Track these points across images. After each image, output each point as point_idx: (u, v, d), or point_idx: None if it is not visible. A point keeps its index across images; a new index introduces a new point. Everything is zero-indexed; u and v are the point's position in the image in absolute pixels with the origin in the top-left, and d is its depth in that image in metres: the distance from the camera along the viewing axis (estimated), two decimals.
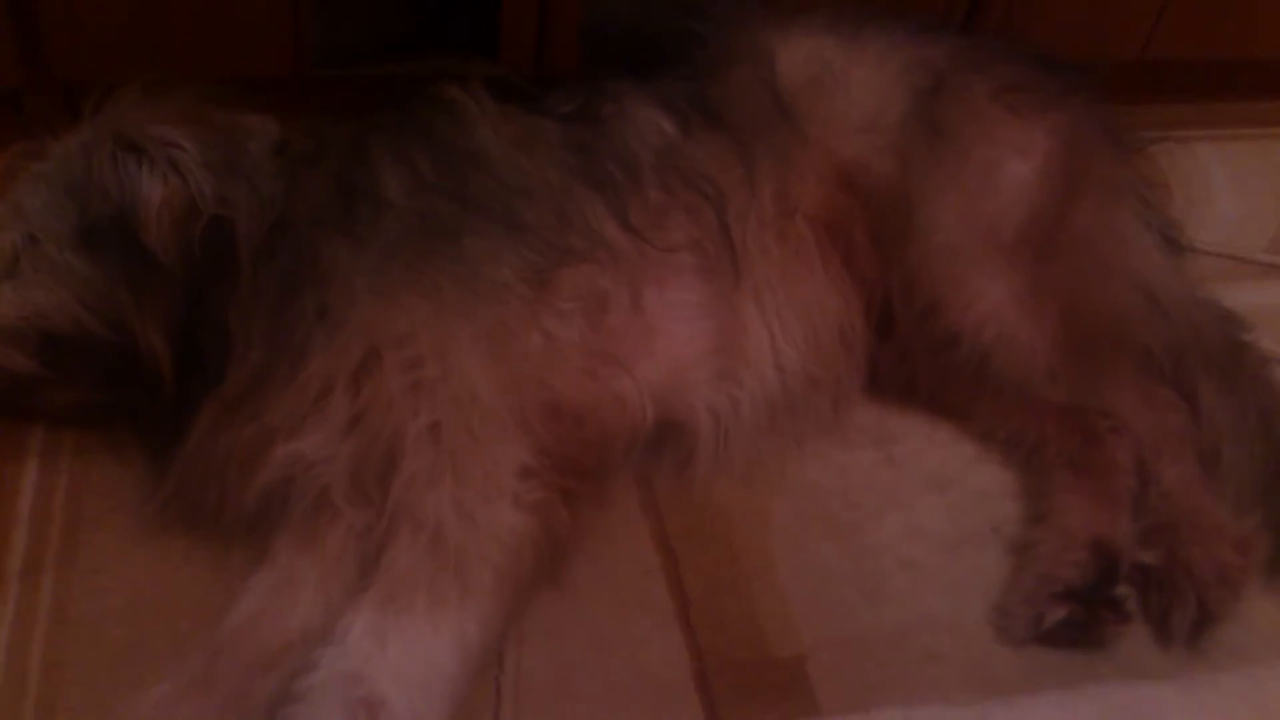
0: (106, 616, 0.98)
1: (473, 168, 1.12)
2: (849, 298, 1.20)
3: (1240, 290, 1.35)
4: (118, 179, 1.07)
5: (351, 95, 1.46)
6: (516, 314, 1.05)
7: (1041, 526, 1.11)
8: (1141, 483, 1.12)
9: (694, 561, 1.10)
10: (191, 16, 1.35)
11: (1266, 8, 1.61)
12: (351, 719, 0.86)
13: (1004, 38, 1.41)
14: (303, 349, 1.02)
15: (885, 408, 1.24)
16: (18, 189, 1.12)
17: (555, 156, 1.15)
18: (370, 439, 1.00)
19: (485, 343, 1.02)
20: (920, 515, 1.16)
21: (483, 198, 1.09)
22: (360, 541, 0.99)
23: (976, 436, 1.22)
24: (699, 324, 1.14)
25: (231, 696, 0.92)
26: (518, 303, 1.06)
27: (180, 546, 1.03)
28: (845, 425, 1.21)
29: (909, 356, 1.21)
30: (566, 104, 1.22)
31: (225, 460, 1.02)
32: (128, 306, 1.05)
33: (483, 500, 0.97)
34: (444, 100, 1.17)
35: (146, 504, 1.05)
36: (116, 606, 0.98)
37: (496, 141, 1.14)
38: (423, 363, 1.00)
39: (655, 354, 1.12)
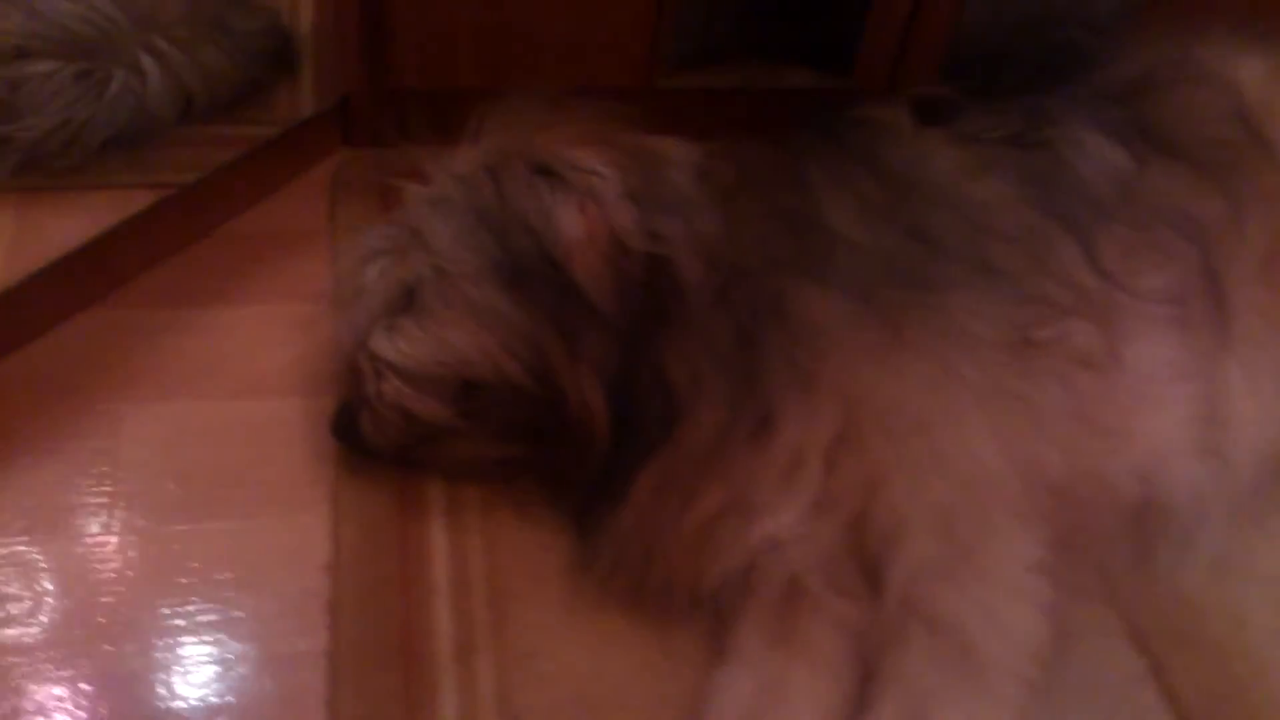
0: (557, 711, 0.85)
1: (926, 200, 0.98)
2: None
3: None
4: (539, 208, 0.95)
5: (696, 108, 1.33)
6: (1003, 376, 0.91)
7: None
8: None
9: (1179, 665, 0.95)
10: (548, 26, 1.23)
11: None
12: None
13: None
14: (768, 411, 0.88)
15: None
16: (409, 214, 1.00)
17: (1011, 189, 1.00)
18: (853, 520, 0.87)
19: (983, 411, 0.88)
20: None
21: (947, 237, 0.95)
22: (852, 639, 0.85)
23: None
24: (1180, 387, 0.99)
25: None
26: (1001, 363, 0.91)
27: (618, 627, 0.91)
28: None
29: None
30: (998, 128, 1.07)
31: (672, 536, 0.89)
32: (557, 354, 0.92)
33: (1006, 600, 0.83)
34: (877, 122, 1.04)
35: (576, 578, 0.93)
36: (563, 698, 0.86)
37: (945, 171, 1.00)
38: (920, 433, 0.86)
39: (1139, 422, 0.96)
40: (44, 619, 0.86)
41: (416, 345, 0.94)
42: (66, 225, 1.10)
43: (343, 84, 1.25)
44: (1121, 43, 1.20)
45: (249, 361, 1.07)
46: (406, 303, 0.97)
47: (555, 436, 0.95)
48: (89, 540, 0.92)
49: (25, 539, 0.91)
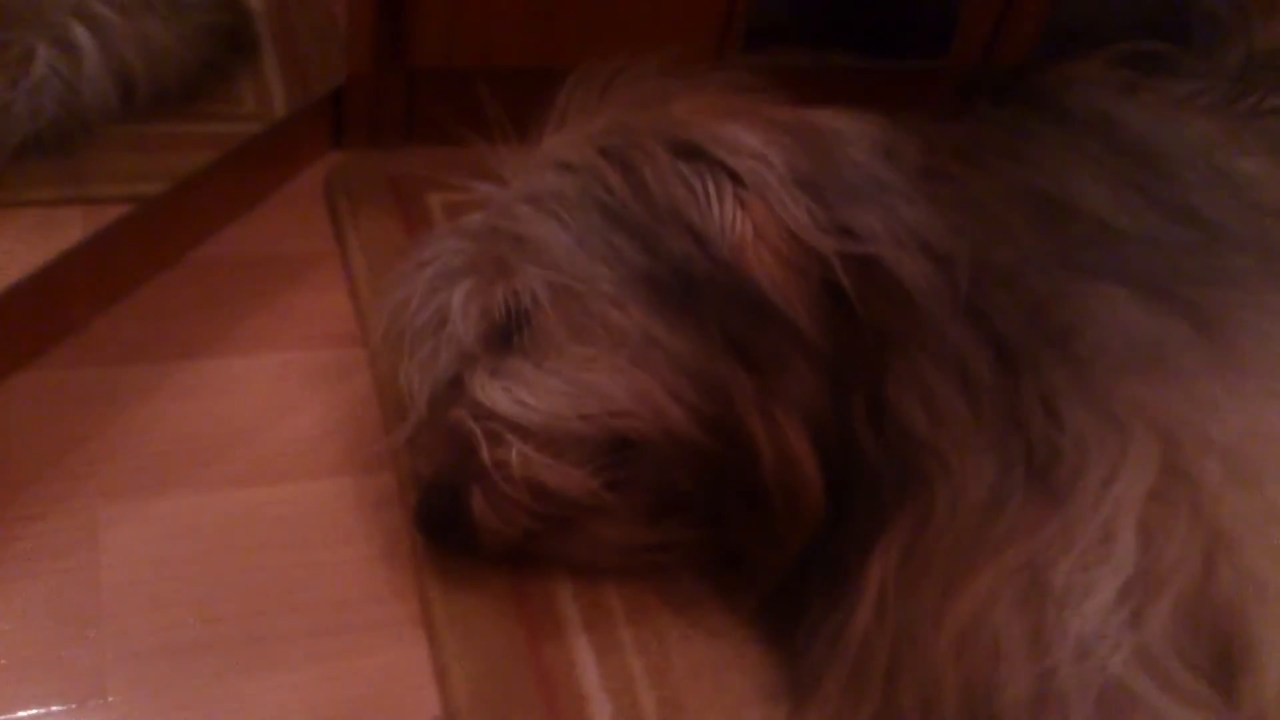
0: None
1: (1181, 174, 0.76)
2: None
3: None
4: (695, 200, 0.69)
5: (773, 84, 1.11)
6: None
7: None
8: None
9: None
10: None
11: None
12: None
13: None
14: (1051, 457, 0.64)
15: None
16: (498, 219, 0.73)
17: (1272, 161, 0.79)
18: (1189, 598, 0.63)
19: None
20: None
21: (1228, 220, 0.73)
22: None
23: None
24: None
25: None
26: None
27: None
28: None
29: None
30: (1204, 94, 0.87)
31: (931, 642, 0.64)
32: (741, 393, 0.66)
33: None
34: (1090, 81, 0.82)
35: (788, 710, 0.67)
36: None
37: (1194, 139, 0.79)
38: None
39: None
40: None
41: (544, 394, 0.67)
42: None
43: (343, 67, 0.97)
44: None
45: (261, 432, 0.76)
46: (510, 337, 0.69)
47: (740, 509, 0.68)
48: None
49: None
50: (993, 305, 0.67)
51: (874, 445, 0.67)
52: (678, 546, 0.71)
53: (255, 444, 0.75)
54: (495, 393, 0.67)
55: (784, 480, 0.66)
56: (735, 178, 0.70)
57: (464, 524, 0.67)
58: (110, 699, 0.60)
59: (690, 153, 0.71)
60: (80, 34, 0.87)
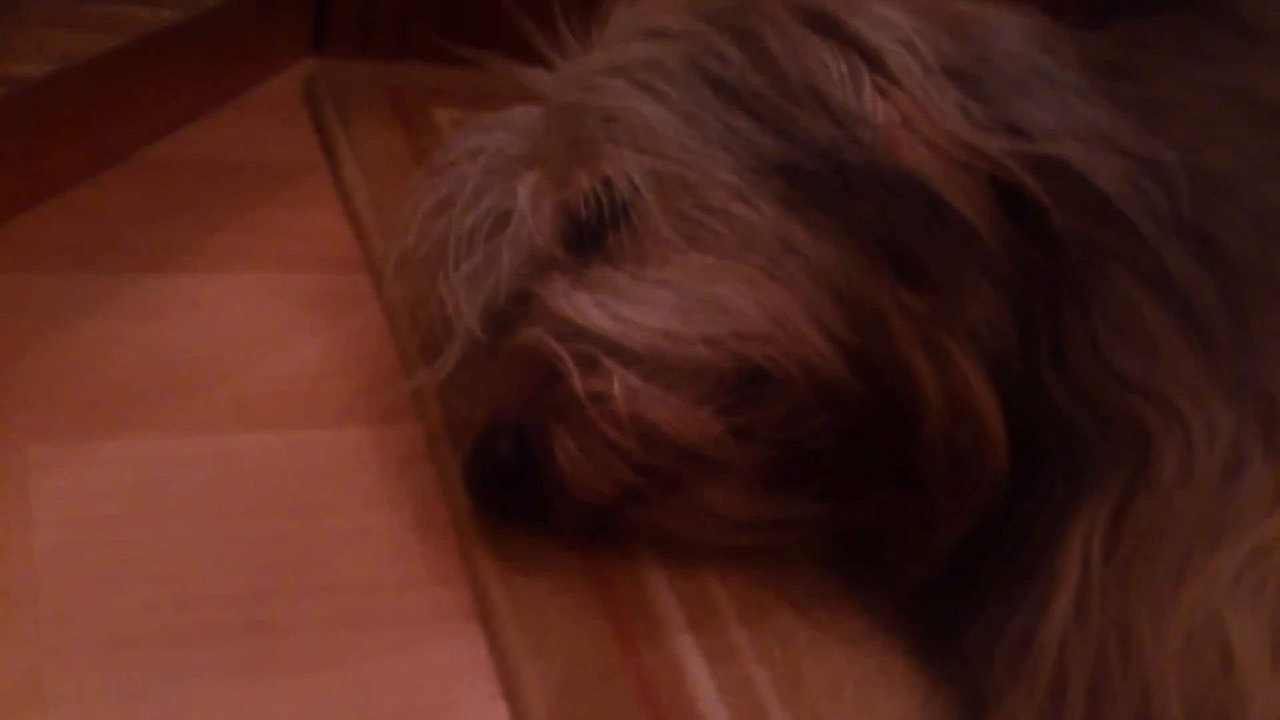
0: None
1: None
2: None
3: None
4: (827, 77, 0.55)
5: None
6: None
7: None
8: None
9: None
10: None
11: None
12: None
13: None
14: None
15: None
16: (578, 93, 0.57)
17: None
18: None
19: None
20: None
21: None
22: None
23: None
24: None
25: None
26: None
27: None
28: None
29: None
30: None
31: (1154, 641, 0.49)
32: (901, 319, 0.51)
33: None
34: None
35: None
36: None
37: None
38: None
39: None
40: None
41: (653, 309, 0.51)
42: None
43: None
44: None
45: (244, 367, 0.58)
46: (600, 238, 0.53)
47: (889, 475, 0.53)
48: None
49: None
50: (1214, 218, 0.53)
51: (1066, 390, 0.52)
52: (801, 524, 0.54)
53: (237, 380, 0.57)
54: (587, 306, 0.51)
55: (954, 434, 0.51)
56: (873, 61, 0.56)
57: (536, 478, 0.50)
58: (50, 708, 0.41)
59: (823, 24, 0.56)
60: None
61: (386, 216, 0.68)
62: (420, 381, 0.56)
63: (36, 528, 0.47)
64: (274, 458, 0.54)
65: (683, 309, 0.50)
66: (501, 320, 0.53)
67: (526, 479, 0.50)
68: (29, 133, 0.64)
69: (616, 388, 0.49)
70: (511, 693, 0.48)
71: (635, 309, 0.50)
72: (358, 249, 0.68)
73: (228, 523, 0.50)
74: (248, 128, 0.75)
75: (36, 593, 0.44)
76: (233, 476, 0.52)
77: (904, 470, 0.52)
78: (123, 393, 0.54)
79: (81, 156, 0.66)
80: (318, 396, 0.58)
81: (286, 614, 0.47)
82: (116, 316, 0.57)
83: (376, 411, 0.58)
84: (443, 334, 0.56)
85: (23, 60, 0.69)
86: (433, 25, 0.80)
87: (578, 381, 0.49)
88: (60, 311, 0.57)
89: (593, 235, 0.53)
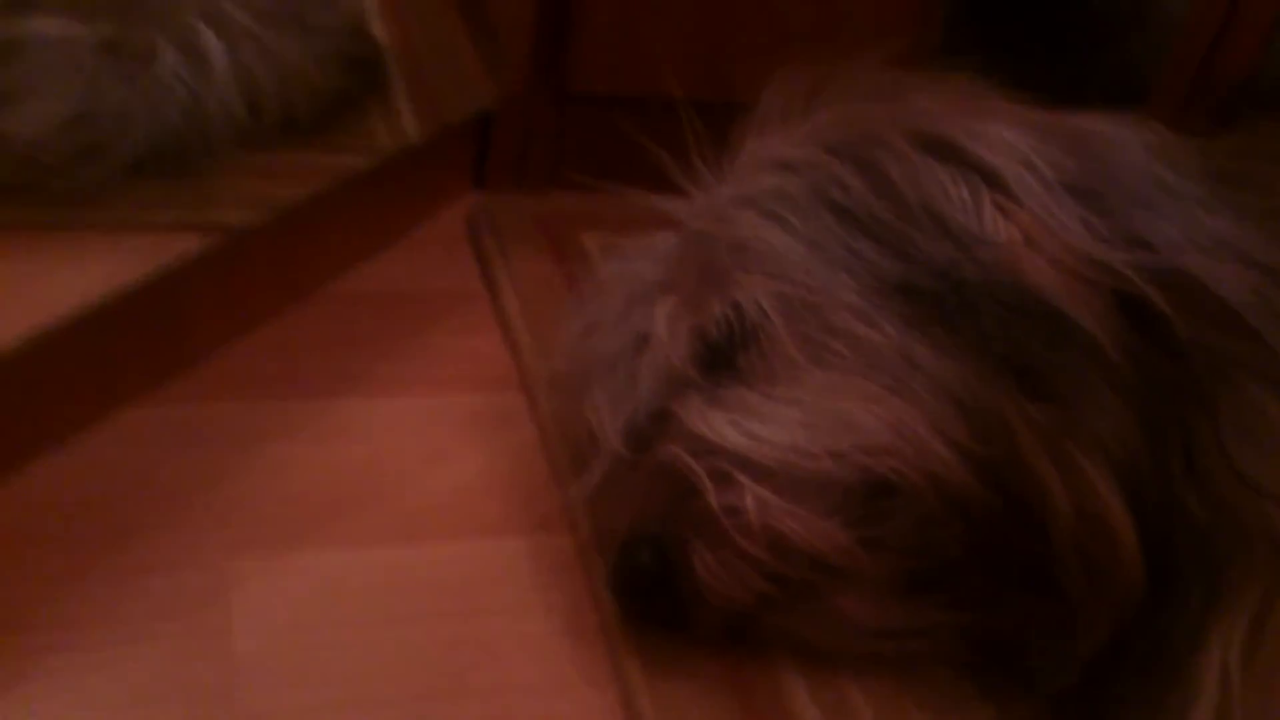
0: None
1: None
2: None
3: None
4: (947, 201, 0.57)
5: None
6: None
7: None
8: None
9: None
10: (792, 13, 0.88)
11: None
12: None
13: None
14: None
15: None
16: (711, 222, 0.61)
17: None
18: None
19: None
20: None
21: None
22: None
23: None
24: None
25: None
26: None
27: None
28: None
29: None
30: None
31: None
32: (1029, 432, 0.52)
33: None
34: None
35: None
36: None
37: None
38: None
39: None
40: None
41: (782, 426, 0.54)
42: (88, 275, 0.67)
43: (490, 92, 0.87)
44: None
45: (411, 484, 0.64)
46: (731, 359, 0.57)
47: (1022, 584, 0.54)
48: None
49: None
50: None
51: (1199, 499, 0.53)
52: (937, 631, 0.56)
53: (405, 496, 0.62)
54: (720, 424, 0.54)
55: (1086, 544, 0.52)
56: (994, 181, 0.58)
57: (676, 587, 0.54)
58: None
59: (942, 150, 0.59)
60: (209, 40, 0.77)
61: (541, 339, 0.73)
62: (569, 495, 0.61)
63: (235, 635, 0.52)
64: (436, 568, 0.59)
65: (810, 425, 0.53)
66: (642, 437, 0.57)
67: (667, 588, 0.54)
68: (230, 275, 0.72)
69: (749, 501, 0.52)
70: None
71: (765, 426, 0.54)
72: (514, 370, 0.73)
73: (396, 628, 0.55)
74: (417, 261, 0.82)
75: (234, 691, 0.50)
76: (400, 585, 0.57)
77: (1040, 578, 0.54)
78: (305, 511, 0.60)
79: (273, 294, 0.74)
80: (477, 509, 0.63)
81: (451, 712, 0.52)
82: (298, 440, 0.64)
83: (530, 522, 0.62)
84: (590, 450, 0.60)
85: (224, 208, 0.78)
86: (581, 160, 0.87)
87: (712, 496, 0.52)
88: (251, 436, 0.64)
89: (725, 356, 0.57)
